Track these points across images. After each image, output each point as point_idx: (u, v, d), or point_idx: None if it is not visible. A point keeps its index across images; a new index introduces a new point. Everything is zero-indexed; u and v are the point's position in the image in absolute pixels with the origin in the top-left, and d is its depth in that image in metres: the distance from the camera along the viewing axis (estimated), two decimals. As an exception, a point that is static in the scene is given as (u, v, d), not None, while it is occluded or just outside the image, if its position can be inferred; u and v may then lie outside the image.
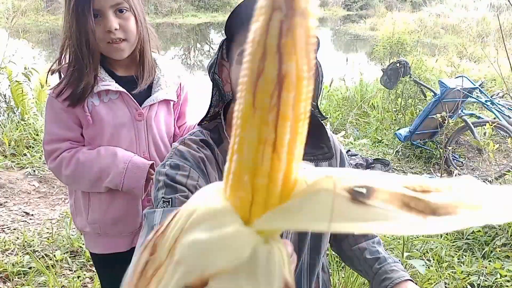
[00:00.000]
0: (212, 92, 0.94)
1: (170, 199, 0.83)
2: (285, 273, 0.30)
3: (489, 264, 2.32)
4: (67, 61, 1.27)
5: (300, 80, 0.29)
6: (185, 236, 0.31)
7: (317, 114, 0.95)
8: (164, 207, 0.82)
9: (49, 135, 1.24)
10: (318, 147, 0.93)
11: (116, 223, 1.31)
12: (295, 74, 0.29)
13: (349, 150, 4.21)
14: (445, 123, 4.04)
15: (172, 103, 1.36)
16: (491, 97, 4.81)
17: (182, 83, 1.40)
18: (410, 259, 1.99)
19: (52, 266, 2.36)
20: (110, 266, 1.41)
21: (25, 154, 3.91)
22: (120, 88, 1.23)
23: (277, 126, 0.29)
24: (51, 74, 1.28)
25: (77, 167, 1.22)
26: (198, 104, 1.29)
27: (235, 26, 0.84)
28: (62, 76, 1.27)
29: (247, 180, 0.31)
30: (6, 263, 2.37)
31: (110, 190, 1.27)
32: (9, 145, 3.96)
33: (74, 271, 2.40)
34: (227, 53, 0.91)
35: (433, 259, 2.34)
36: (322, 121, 0.95)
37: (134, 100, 1.26)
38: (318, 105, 0.94)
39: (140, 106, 1.27)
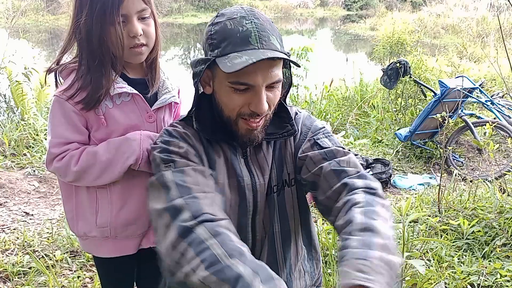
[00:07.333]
0: (196, 93, 1.11)
1: (171, 161, 0.98)
2: None
3: (489, 264, 2.32)
4: (65, 61, 1.26)
5: None
6: None
7: (284, 103, 1.14)
8: (169, 165, 0.97)
9: (58, 138, 1.22)
10: (282, 127, 1.11)
11: (127, 225, 1.29)
12: None
13: (349, 150, 4.20)
14: (445, 123, 4.04)
15: (174, 105, 1.36)
16: (491, 97, 4.81)
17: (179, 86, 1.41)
18: (410, 259, 1.99)
19: (52, 266, 2.36)
20: (115, 269, 1.40)
21: (25, 154, 3.91)
22: (134, 91, 1.23)
23: None
24: (48, 74, 1.27)
25: (87, 157, 1.20)
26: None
27: (223, 46, 0.96)
28: (61, 77, 1.26)
29: None
30: (6, 263, 2.37)
31: (121, 190, 1.25)
32: (9, 145, 3.96)
33: (74, 271, 2.40)
34: (211, 64, 0.99)
35: (433, 259, 2.34)
36: (288, 107, 1.14)
37: (146, 103, 1.26)
38: (286, 100, 1.16)
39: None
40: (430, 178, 3.99)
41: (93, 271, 2.39)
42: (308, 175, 1.05)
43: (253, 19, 0.96)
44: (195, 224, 0.84)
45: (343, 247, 0.84)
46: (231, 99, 0.99)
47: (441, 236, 2.61)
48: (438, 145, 4.48)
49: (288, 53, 1.00)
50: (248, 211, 1.08)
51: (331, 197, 0.99)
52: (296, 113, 1.17)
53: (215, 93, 1.04)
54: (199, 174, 0.97)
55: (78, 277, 2.33)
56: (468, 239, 2.57)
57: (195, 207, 0.87)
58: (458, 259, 2.42)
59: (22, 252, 2.52)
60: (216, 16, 1.01)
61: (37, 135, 4.17)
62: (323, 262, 2.26)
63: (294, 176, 1.12)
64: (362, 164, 3.94)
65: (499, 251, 2.43)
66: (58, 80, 1.27)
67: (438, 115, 3.99)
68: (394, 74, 4.67)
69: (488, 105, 4.45)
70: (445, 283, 2.17)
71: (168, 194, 0.91)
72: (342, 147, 1.07)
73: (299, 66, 1.02)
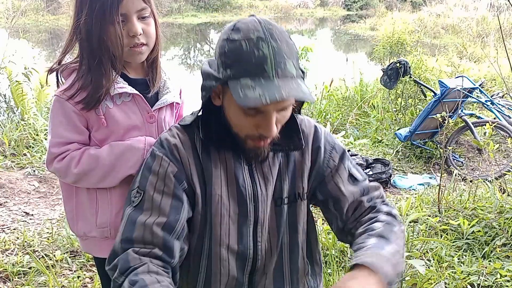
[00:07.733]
0: (203, 104, 1.07)
1: (140, 193, 1.02)
2: None
3: (489, 264, 2.32)
4: (66, 61, 1.26)
5: None
6: None
7: (294, 115, 1.10)
8: (136, 198, 1.02)
9: (58, 138, 1.22)
10: (290, 137, 1.08)
11: None
12: None
13: (349, 150, 4.21)
14: (445, 123, 4.04)
15: (175, 105, 1.36)
16: (491, 97, 4.81)
17: (181, 86, 1.41)
18: (410, 259, 1.99)
19: (52, 266, 2.36)
20: None
21: (25, 154, 3.91)
22: (135, 91, 1.23)
23: None
24: (50, 74, 1.27)
25: (89, 160, 1.20)
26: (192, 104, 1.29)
27: (236, 68, 0.92)
28: (62, 77, 1.26)
29: None
30: (6, 263, 2.37)
31: (121, 191, 1.25)
32: (9, 145, 3.96)
33: (74, 271, 2.40)
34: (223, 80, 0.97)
35: (433, 259, 2.33)
36: (297, 117, 1.12)
37: (147, 103, 1.25)
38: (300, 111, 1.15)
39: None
40: (430, 178, 3.99)
41: (93, 271, 2.39)
42: (346, 206, 1.13)
43: (270, 41, 0.91)
44: (122, 281, 0.94)
45: (361, 242, 1.01)
46: (239, 120, 0.98)
47: (441, 236, 2.61)
48: (438, 145, 4.48)
49: (303, 72, 0.97)
50: (249, 221, 1.07)
51: (357, 219, 1.12)
52: (316, 128, 1.14)
53: (224, 108, 1.02)
54: (153, 223, 0.99)
55: (78, 277, 2.33)
56: (468, 239, 2.57)
57: (126, 263, 0.95)
58: (458, 259, 2.42)
59: (22, 252, 2.52)
60: (232, 30, 0.94)
61: (37, 135, 4.17)
62: (323, 262, 2.26)
63: (308, 191, 1.12)
64: (362, 164, 3.93)
65: (499, 251, 2.43)
66: (60, 80, 1.27)
67: (438, 115, 3.98)
68: (394, 74, 4.67)
69: (488, 105, 4.45)
70: (445, 283, 2.17)
71: (118, 236, 1.01)
72: (369, 180, 1.19)
73: (313, 101, 1.01)
